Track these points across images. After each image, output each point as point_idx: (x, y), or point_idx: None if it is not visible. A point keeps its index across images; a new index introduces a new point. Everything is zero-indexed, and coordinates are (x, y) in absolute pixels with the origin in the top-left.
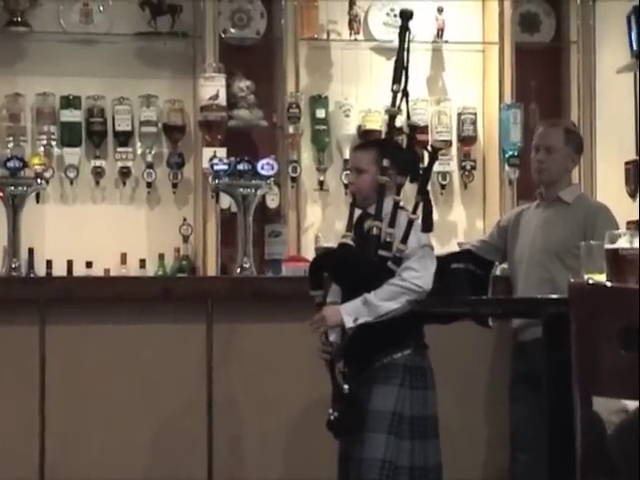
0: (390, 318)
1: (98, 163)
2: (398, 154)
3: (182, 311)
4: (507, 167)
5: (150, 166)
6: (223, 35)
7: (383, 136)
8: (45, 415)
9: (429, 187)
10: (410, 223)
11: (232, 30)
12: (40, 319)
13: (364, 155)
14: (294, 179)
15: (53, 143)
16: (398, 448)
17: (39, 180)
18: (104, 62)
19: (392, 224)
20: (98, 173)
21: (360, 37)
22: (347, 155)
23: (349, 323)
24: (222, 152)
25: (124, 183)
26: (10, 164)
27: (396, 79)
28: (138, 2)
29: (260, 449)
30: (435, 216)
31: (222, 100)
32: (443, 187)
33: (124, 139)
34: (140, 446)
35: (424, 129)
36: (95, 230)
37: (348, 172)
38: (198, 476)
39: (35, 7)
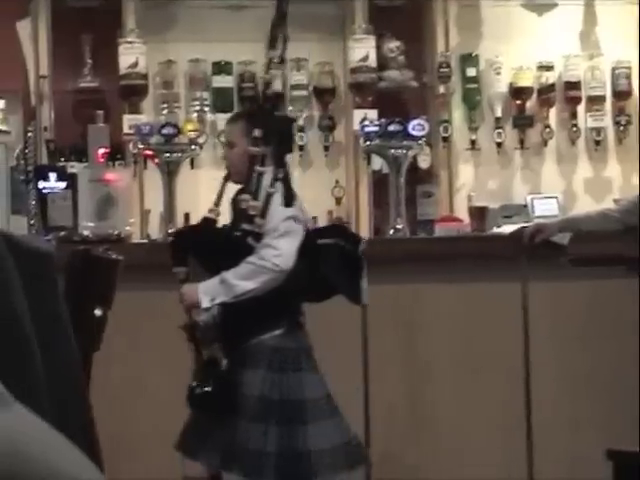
0: (257, 297)
1: None
2: (271, 123)
3: None
4: None
5: (301, 129)
6: None
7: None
8: None
9: (289, 158)
10: (269, 197)
11: None
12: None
13: (234, 128)
14: (445, 139)
15: (206, 109)
16: (265, 434)
17: (193, 146)
18: (254, 27)
19: (256, 196)
20: None
21: None
22: (499, 113)
23: (205, 303)
24: (373, 114)
25: None
26: (164, 131)
27: (272, 44)
28: None
29: (414, 415)
30: (589, 172)
31: (372, 61)
32: (597, 143)
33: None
34: None
35: (576, 85)
36: None
37: (500, 131)
38: None
39: None
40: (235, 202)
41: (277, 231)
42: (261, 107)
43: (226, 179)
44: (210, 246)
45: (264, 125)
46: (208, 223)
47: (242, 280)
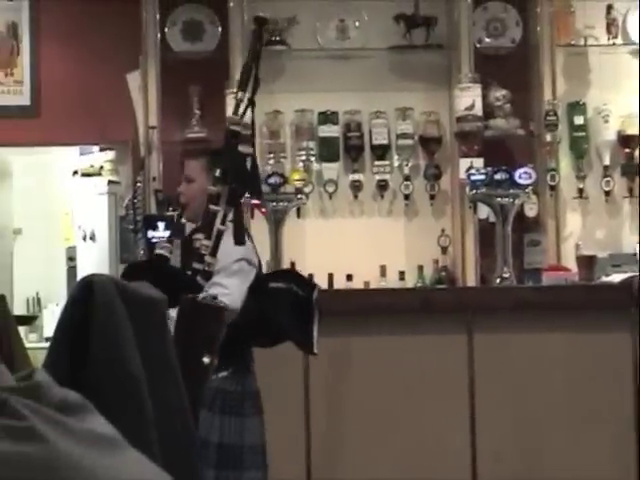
0: None
1: (356, 177)
2: (231, 162)
3: (442, 322)
4: None
5: (407, 178)
6: (478, 45)
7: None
8: (310, 428)
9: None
10: (219, 235)
11: (487, 39)
12: None
13: (194, 163)
14: (553, 187)
15: (312, 158)
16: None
17: (299, 195)
18: (360, 77)
19: (209, 236)
20: (356, 187)
21: (618, 41)
22: (607, 161)
23: None
24: (479, 162)
25: (382, 196)
26: (271, 180)
27: (241, 86)
28: (393, 16)
29: (523, 463)
30: None
31: (478, 110)
32: None
33: (381, 152)
34: (402, 458)
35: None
36: (354, 243)
37: (608, 179)
38: None
39: (293, 26)
40: (187, 241)
41: (227, 270)
42: (224, 146)
43: (180, 216)
44: (160, 283)
45: (224, 164)
46: (160, 259)
47: None
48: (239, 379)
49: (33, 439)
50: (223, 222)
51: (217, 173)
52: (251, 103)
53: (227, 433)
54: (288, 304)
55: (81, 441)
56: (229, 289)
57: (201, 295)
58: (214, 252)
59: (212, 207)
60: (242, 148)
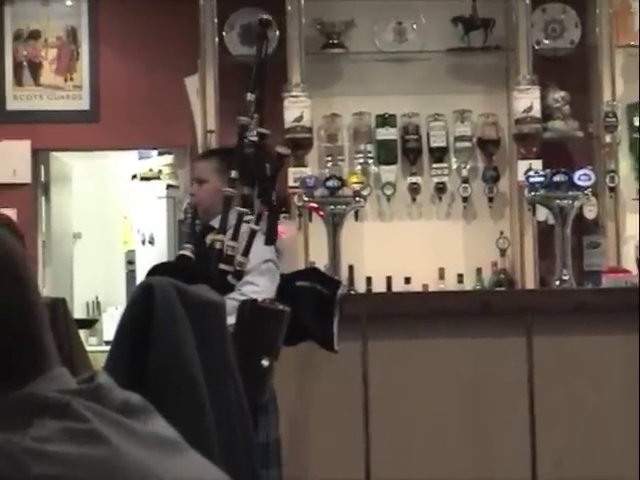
0: None
1: (414, 179)
2: (244, 164)
3: (501, 325)
4: None
5: (465, 181)
6: (536, 46)
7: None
8: (369, 432)
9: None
10: (252, 234)
11: (545, 41)
12: (362, 335)
13: (205, 164)
14: (612, 189)
15: (370, 161)
16: None
17: (357, 198)
18: (418, 79)
19: (235, 237)
20: (414, 189)
21: None
22: None
23: None
24: (537, 164)
25: (440, 199)
26: (329, 183)
27: (252, 87)
28: (451, 18)
29: (583, 466)
30: None
31: (537, 112)
32: None
33: (439, 155)
34: (461, 462)
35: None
36: (413, 246)
37: None
38: None
39: (351, 28)
40: (202, 239)
41: (258, 270)
42: (236, 149)
43: (193, 217)
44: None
45: (238, 167)
46: (185, 260)
47: None
48: None
49: (96, 441)
50: (257, 222)
51: (232, 175)
52: (259, 104)
53: (259, 431)
54: (312, 302)
55: (143, 443)
56: (260, 287)
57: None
58: (246, 252)
59: (239, 209)
60: (280, 149)
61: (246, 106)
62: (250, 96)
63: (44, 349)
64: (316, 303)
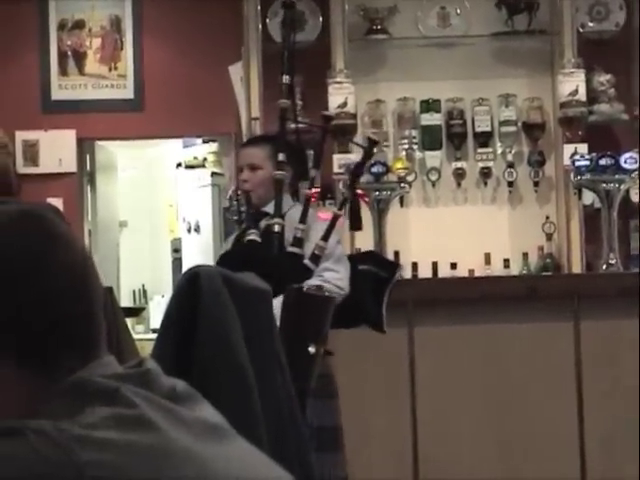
0: None
1: (459, 165)
2: (291, 148)
3: (548, 309)
4: None
5: (511, 165)
6: (581, 30)
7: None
8: (417, 416)
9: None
10: (334, 220)
11: (590, 24)
12: (408, 321)
13: (257, 151)
14: None
15: (414, 147)
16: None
17: (402, 184)
18: (462, 64)
19: (303, 220)
20: (459, 174)
21: None
22: None
23: None
24: (583, 148)
25: (485, 183)
26: (374, 169)
27: (289, 71)
28: (494, 2)
29: (632, 450)
30: None
31: (582, 95)
32: None
33: (484, 139)
34: (509, 446)
35: None
36: (458, 231)
37: None
38: (570, 478)
39: (394, 14)
40: (255, 224)
41: (334, 255)
42: (282, 133)
43: (249, 203)
44: (260, 268)
45: (285, 149)
46: (254, 245)
47: None
48: (325, 361)
49: (144, 427)
50: (341, 208)
51: (281, 158)
52: (291, 89)
53: (324, 415)
54: (369, 284)
55: (191, 430)
56: (341, 273)
57: (308, 282)
58: (326, 237)
59: (306, 191)
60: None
61: (283, 90)
62: (287, 79)
63: (96, 336)
64: (372, 285)
